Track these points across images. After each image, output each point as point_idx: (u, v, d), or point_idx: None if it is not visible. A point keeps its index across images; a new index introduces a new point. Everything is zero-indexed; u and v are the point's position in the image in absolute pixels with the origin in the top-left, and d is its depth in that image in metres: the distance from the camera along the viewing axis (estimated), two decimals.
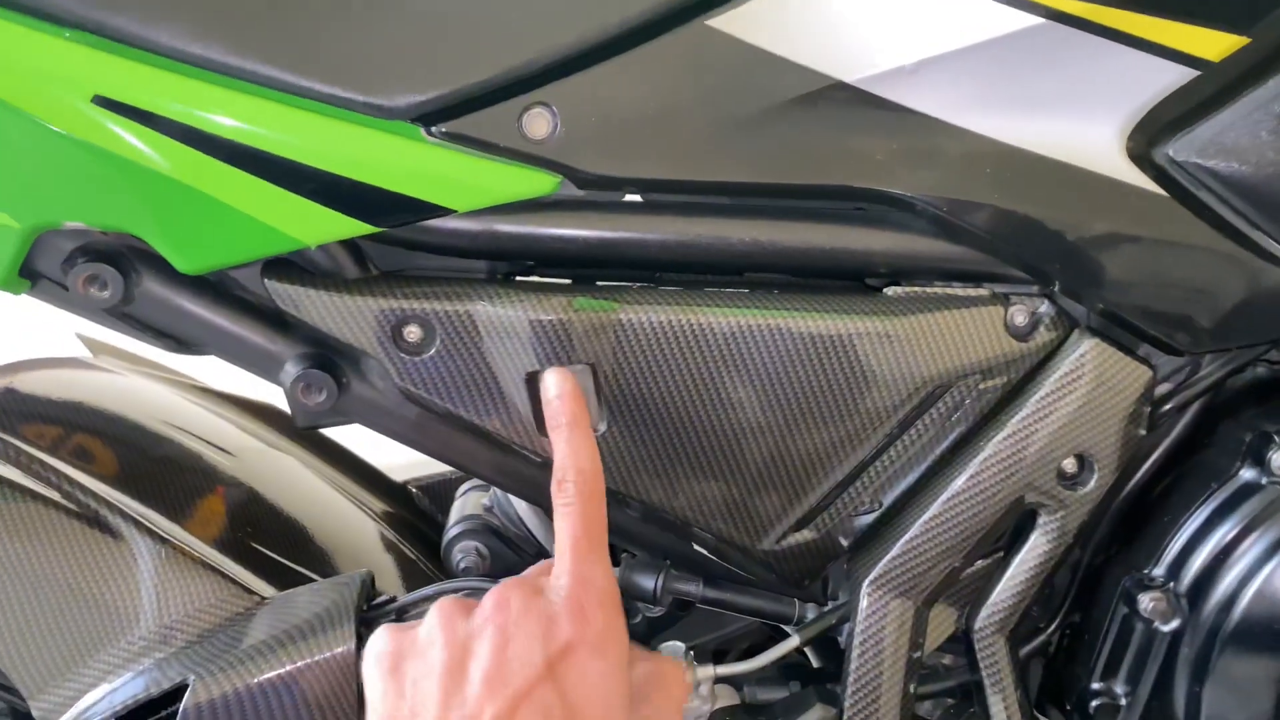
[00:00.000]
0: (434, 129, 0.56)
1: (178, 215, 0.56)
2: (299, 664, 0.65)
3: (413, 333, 0.59)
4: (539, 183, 0.57)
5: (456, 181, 0.57)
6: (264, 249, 0.57)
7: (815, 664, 0.69)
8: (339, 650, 0.65)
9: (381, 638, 0.55)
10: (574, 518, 0.56)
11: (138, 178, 0.54)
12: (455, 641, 0.52)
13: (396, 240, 0.59)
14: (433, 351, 0.59)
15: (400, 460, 1.03)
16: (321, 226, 0.56)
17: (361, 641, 0.68)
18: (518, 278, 0.62)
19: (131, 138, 0.53)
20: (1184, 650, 0.63)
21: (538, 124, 0.56)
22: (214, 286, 0.61)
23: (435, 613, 0.54)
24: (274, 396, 0.95)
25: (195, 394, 0.92)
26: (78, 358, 0.89)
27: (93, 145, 0.54)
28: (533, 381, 0.60)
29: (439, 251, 0.60)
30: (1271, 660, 0.61)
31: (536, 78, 0.56)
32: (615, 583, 0.56)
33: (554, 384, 0.58)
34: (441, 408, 0.60)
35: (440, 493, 1.00)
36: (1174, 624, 0.63)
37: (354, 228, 0.57)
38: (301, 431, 0.95)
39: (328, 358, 0.62)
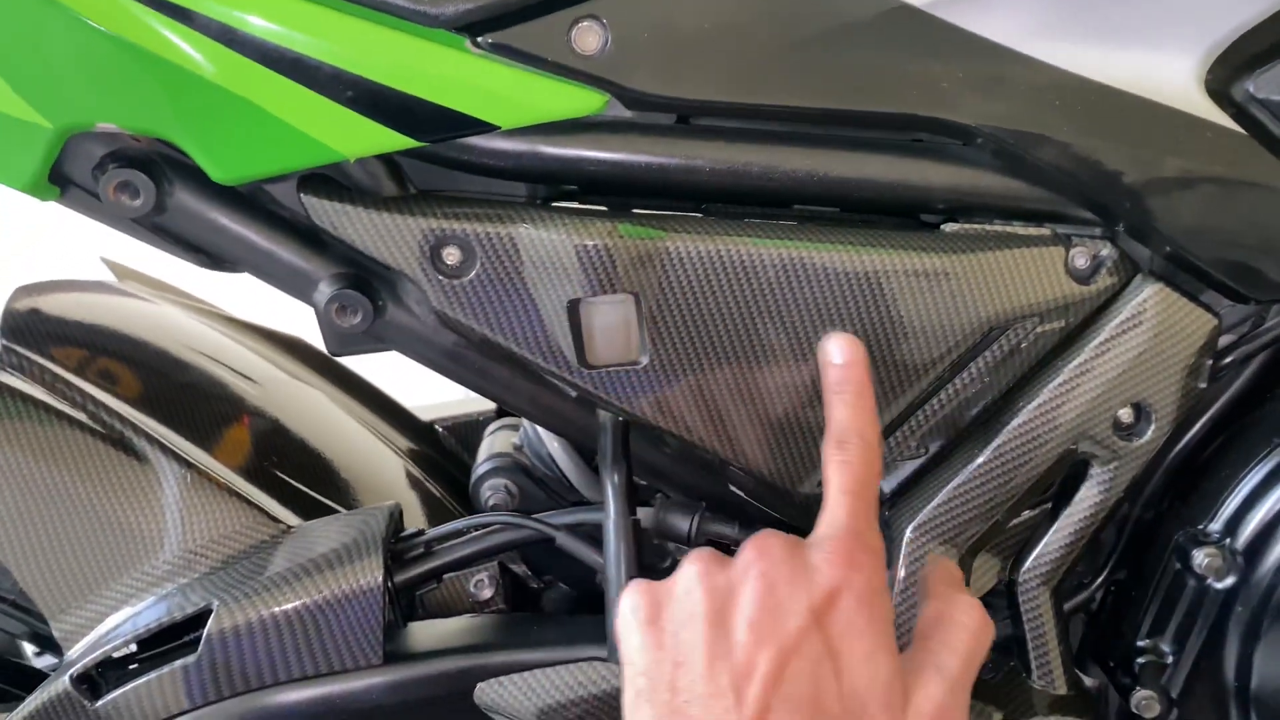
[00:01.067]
0: (480, 39, 0.54)
1: (213, 120, 0.54)
2: (325, 594, 0.64)
3: (452, 254, 0.57)
4: (586, 100, 0.55)
5: (502, 96, 0.54)
6: (302, 160, 0.55)
7: None
8: (366, 581, 0.64)
9: (635, 591, 0.51)
10: (851, 475, 0.52)
11: (173, 79, 0.52)
12: (716, 589, 0.49)
13: (437, 158, 0.57)
14: (472, 275, 0.57)
15: (427, 400, 1.02)
16: (361, 138, 0.54)
17: (389, 574, 0.67)
18: (559, 203, 0.60)
19: (168, 34, 0.51)
20: (1237, 609, 0.61)
21: (588, 38, 0.54)
22: (248, 200, 0.59)
23: (692, 561, 0.51)
24: (298, 330, 0.94)
25: (220, 322, 0.91)
26: (103, 281, 0.88)
27: (127, 42, 0.51)
28: (574, 310, 0.58)
29: (480, 171, 0.58)
30: None
31: None
32: (883, 545, 0.52)
33: (840, 351, 0.55)
34: (479, 334, 0.58)
35: (467, 433, 0.98)
36: (1229, 581, 0.62)
37: (395, 141, 0.54)
38: (326, 365, 0.94)
39: (363, 279, 0.60)
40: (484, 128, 0.55)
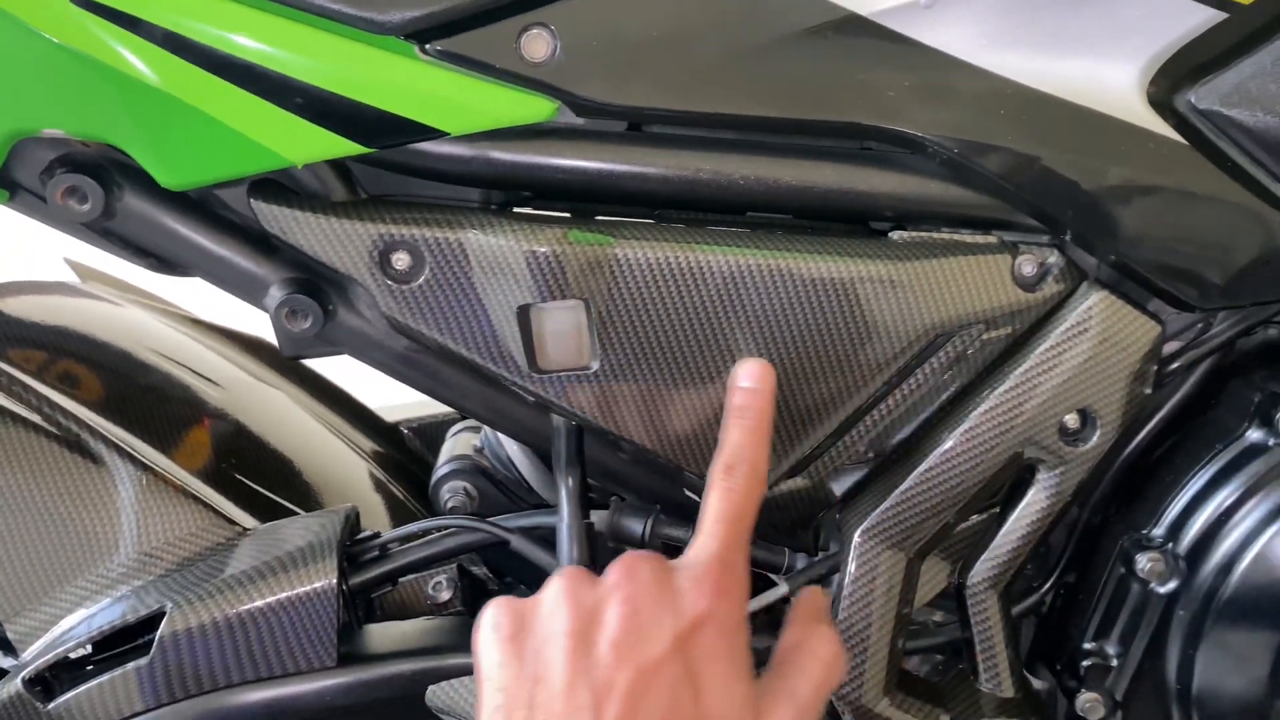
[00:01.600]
0: (429, 46, 0.54)
1: (161, 127, 0.54)
2: (279, 596, 0.64)
3: (401, 260, 0.57)
4: (536, 108, 0.56)
5: (450, 102, 0.55)
6: (250, 166, 0.55)
7: None
8: (320, 584, 0.64)
9: (498, 606, 0.51)
10: (731, 503, 0.53)
11: (120, 86, 0.53)
12: (582, 607, 0.49)
13: (387, 163, 0.58)
14: (421, 280, 0.58)
15: (392, 401, 1.02)
16: (310, 145, 0.55)
17: (344, 576, 0.67)
18: (513, 208, 0.61)
19: (114, 43, 0.51)
20: (1180, 612, 0.62)
21: (536, 45, 0.54)
22: (198, 205, 0.60)
23: (558, 580, 0.51)
24: (265, 331, 0.94)
25: (184, 324, 0.91)
26: (65, 282, 0.88)
27: (74, 49, 0.52)
28: (524, 315, 0.58)
29: (431, 177, 0.58)
30: (1268, 626, 0.60)
31: None
32: (748, 575, 0.53)
33: (750, 376, 0.56)
34: (429, 339, 0.59)
35: (431, 435, 0.98)
36: (1171, 585, 0.62)
37: (343, 147, 0.55)
38: (291, 366, 0.94)
39: (314, 283, 0.60)
40: (433, 134, 0.55)
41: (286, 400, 0.91)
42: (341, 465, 0.89)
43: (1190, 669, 0.62)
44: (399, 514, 0.89)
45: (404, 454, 0.97)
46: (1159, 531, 0.63)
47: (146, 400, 0.77)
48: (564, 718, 0.46)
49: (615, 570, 0.50)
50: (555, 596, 0.50)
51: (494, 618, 0.51)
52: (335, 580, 0.65)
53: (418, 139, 0.55)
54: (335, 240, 0.57)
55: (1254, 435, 0.61)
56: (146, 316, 0.88)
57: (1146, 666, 0.64)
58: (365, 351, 0.62)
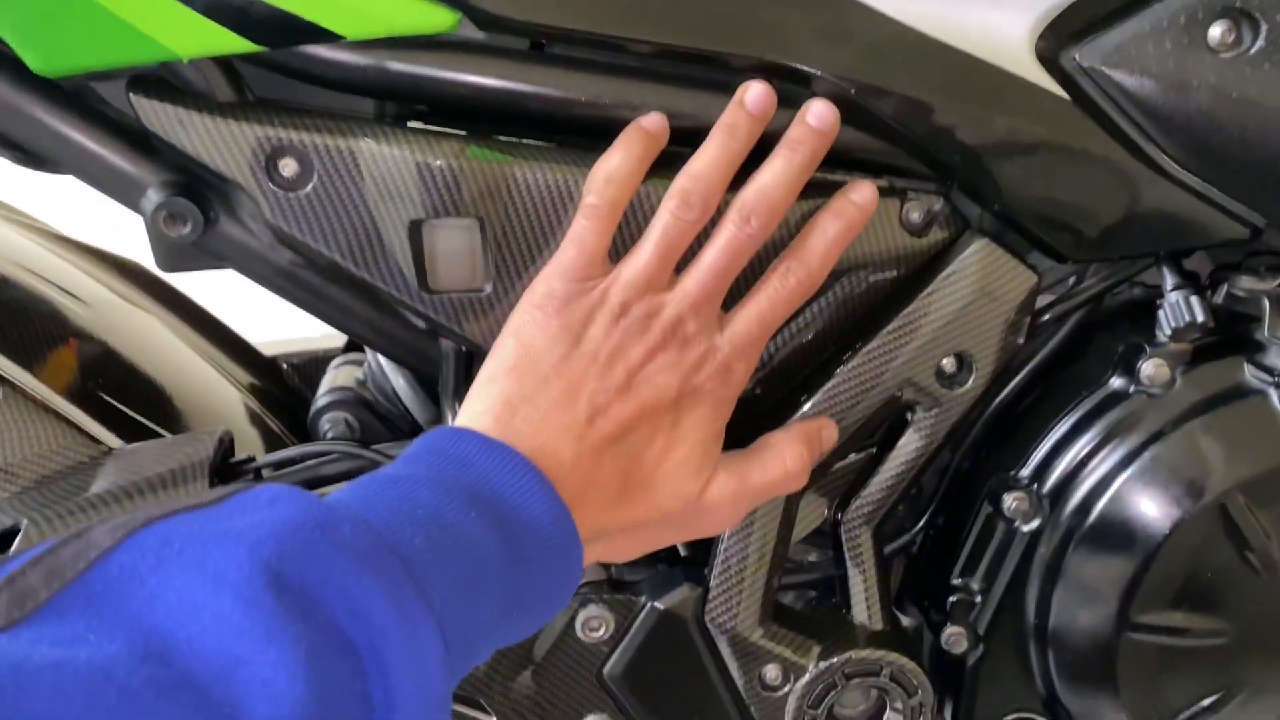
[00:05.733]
0: None
1: (34, 6, 0.50)
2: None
3: (288, 165, 0.55)
4: (436, 17, 0.54)
5: (348, 5, 0.53)
6: (131, 56, 0.52)
7: (683, 552, 0.69)
8: (189, 505, 0.62)
9: (562, 279, 0.55)
10: (771, 311, 0.57)
11: None
12: (634, 320, 0.54)
13: (278, 65, 0.56)
14: (309, 188, 0.56)
15: (271, 337, 0.99)
16: (197, 38, 0.52)
17: None
18: (408, 123, 0.59)
19: None
20: (1040, 550, 0.65)
21: None
22: (73, 96, 0.56)
23: (628, 280, 0.55)
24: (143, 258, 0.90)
25: (51, 240, 0.86)
26: None
27: None
28: (416, 231, 0.57)
29: (323, 83, 0.56)
30: (1119, 565, 0.63)
31: None
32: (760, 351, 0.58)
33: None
34: (315, 251, 0.57)
35: (312, 372, 0.96)
36: (1033, 524, 0.65)
37: (233, 43, 0.52)
38: (167, 294, 0.90)
39: (195, 188, 0.58)
40: (328, 36, 0.53)
41: (158, 325, 0.87)
42: (215, 394, 0.86)
43: (1048, 605, 0.65)
44: (275, 446, 0.87)
45: (282, 389, 0.94)
46: (1025, 473, 0.66)
47: (6, 314, 0.73)
48: (558, 402, 0.52)
49: (670, 308, 0.55)
50: (611, 290, 0.54)
51: (565, 289, 0.54)
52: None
53: (311, 40, 0.54)
54: (220, 142, 0.55)
55: (1116, 383, 0.64)
56: (9, 230, 0.84)
57: (1008, 602, 0.67)
58: (247, 265, 0.60)
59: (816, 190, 0.59)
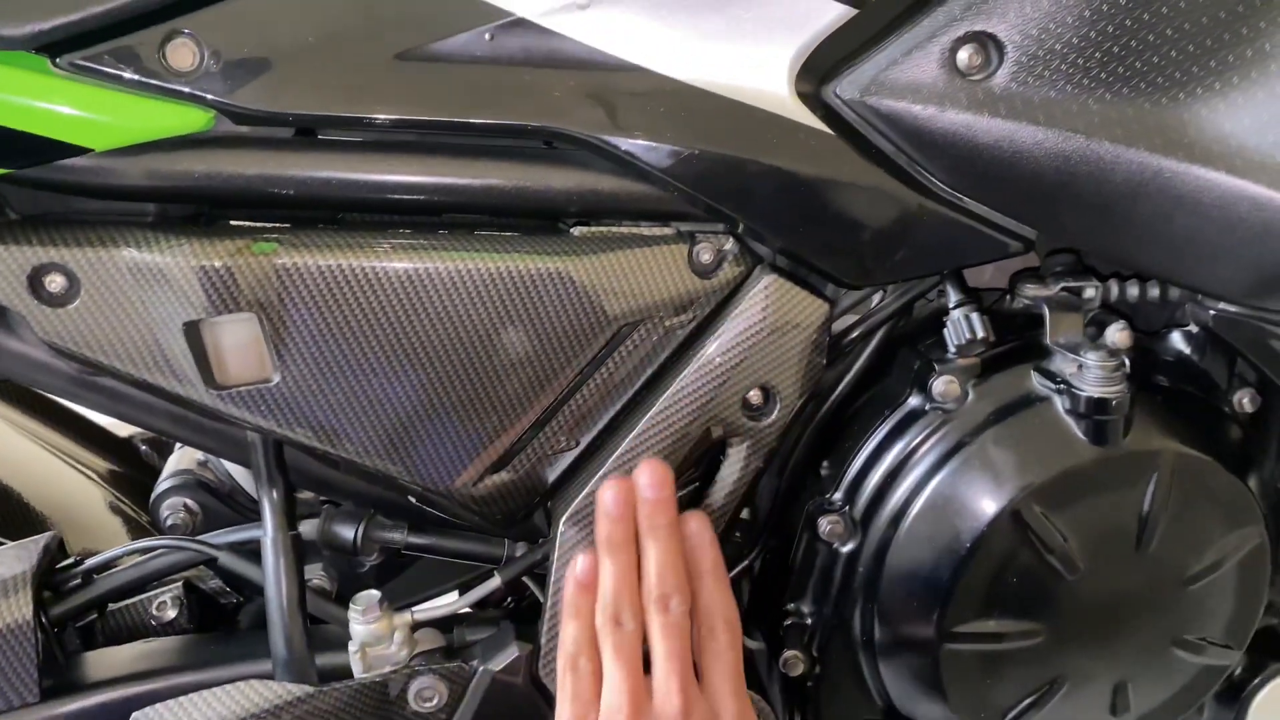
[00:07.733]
0: (60, 60, 0.52)
1: None
2: None
3: (55, 282, 0.55)
4: (188, 118, 0.54)
5: (91, 118, 0.53)
6: None
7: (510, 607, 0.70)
8: (15, 618, 0.62)
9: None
10: (730, 665, 0.57)
11: None
12: None
13: (37, 181, 0.55)
14: (77, 303, 0.55)
15: None
16: None
17: (44, 608, 0.65)
18: (187, 221, 0.59)
19: None
20: (859, 569, 0.66)
21: (181, 54, 0.53)
22: None
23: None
24: None
25: None
26: None
27: None
28: (194, 331, 0.57)
29: (87, 194, 0.56)
30: (930, 580, 0.64)
31: (173, 4, 0.52)
32: None
33: (697, 531, 0.59)
34: (95, 361, 0.57)
35: (169, 447, 0.95)
36: (850, 545, 0.67)
37: None
38: (4, 388, 0.89)
39: None
40: (75, 151, 0.53)
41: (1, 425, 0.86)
42: (64, 489, 0.85)
43: (871, 620, 0.67)
44: (137, 532, 0.86)
45: (138, 469, 0.93)
46: (838, 495, 0.67)
47: None
48: None
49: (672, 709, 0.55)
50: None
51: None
52: (30, 614, 0.62)
53: (59, 156, 0.53)
54: None
55: (913, 401, 0.66)
56: None
57: (836, 622, 0.68)
58: (34, 378, 0.60)
59: (624, 242, 0.61)
